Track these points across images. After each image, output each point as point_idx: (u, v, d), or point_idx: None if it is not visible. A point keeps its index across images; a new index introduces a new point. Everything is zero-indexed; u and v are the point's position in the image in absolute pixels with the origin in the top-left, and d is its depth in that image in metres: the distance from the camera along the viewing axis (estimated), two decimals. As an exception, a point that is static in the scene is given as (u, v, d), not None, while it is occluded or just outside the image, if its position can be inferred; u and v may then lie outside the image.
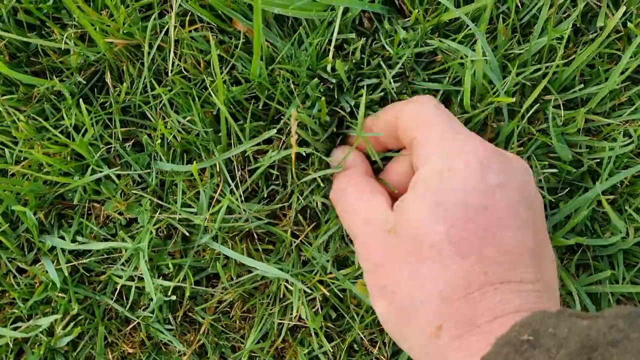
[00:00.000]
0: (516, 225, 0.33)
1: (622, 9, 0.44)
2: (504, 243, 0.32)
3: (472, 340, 0.30)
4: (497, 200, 0.32)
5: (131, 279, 0.46)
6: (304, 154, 0.44)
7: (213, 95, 0.42)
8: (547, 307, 0.31)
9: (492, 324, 0.30)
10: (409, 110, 0.39)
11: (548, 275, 0.34)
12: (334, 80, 0.45)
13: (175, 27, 0.43)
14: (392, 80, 0.44)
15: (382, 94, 0.44)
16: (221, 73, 0.43)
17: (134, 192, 0.47)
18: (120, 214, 0.47)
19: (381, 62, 0.44)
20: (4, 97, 0.45)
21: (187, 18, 0.44)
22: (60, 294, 0.46)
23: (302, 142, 0.45)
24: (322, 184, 0.44)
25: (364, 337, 0.47)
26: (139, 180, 0.47)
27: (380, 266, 0.35)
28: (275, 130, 0.43)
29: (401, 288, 0.33)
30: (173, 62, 0.43)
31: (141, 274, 0.45)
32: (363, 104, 0.40)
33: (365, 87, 0.44)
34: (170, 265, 0.45)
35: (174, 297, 0.44)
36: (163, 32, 0.43)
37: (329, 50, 0.45)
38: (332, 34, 0.45)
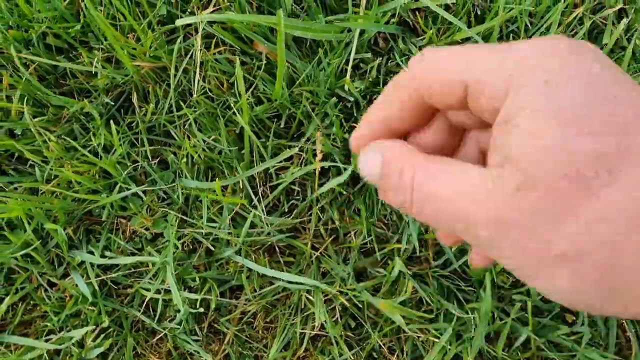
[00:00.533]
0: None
1: (622, 24, 0.46)
2: None
3: None
4: (610, 82, 0.25)
5: (158, 291, 0.48)
6: (326, 167, 0.45)
7: (237, 114, 0.44)
8: None
9: None
10: (432, 66, 0.28)
11: None
12: (351, 99, 0.46)
13: (200, 49, 0.45)
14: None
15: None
16: (244, 93, 0.45)
17: (160, 208, 0.48)
18: (147, 229, 0.49)
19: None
20: (35, 119, 0.46)
21: (212, 41, 0.46)
22: (90, 307, 0.47)
23: (323, 158, 0.47)
24: (339, 196, 0.46)
25: (383, 345, 0.49)
26: (164, 197, 0.49)
27: (534, 235, 0.26)
28: (297, 149, 0.45)
29: (586, 236, 0.25)
30: (198, 83, 0.45)
31: (168, 286, 0.47)
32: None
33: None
34: (197, 278, 0.47)
35: (201, 309, 0.46)
36: (189, 56, 0.45)
37: (346, 70, 0.47)
38: (350, 54, 0.47)
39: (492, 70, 0.26)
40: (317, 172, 0.44)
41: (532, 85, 0.25)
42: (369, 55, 0.47)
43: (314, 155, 0.46)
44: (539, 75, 0.25)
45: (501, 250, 0.26)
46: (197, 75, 0.45)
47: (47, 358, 0.47)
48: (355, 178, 0.48)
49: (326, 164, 0.45)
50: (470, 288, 0.49)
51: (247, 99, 0.45)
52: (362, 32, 0.47)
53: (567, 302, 0.27)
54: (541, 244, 0.25)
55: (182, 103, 0.47)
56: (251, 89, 0.46)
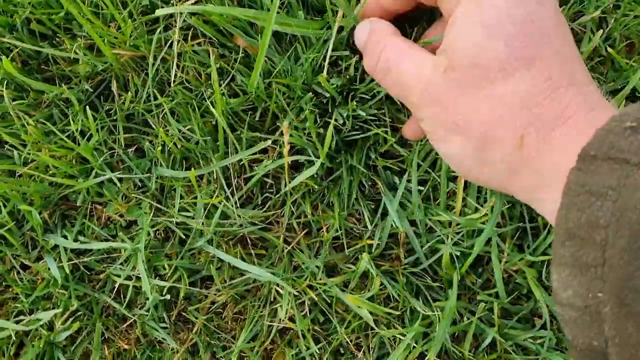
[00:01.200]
0: (561, 33, 0.33)
1: (600, 32, 0.46)
2: (556, 50, 0.32)
3: (558, 137, 0.31)
4: (539, 10, 0.33)
5: (129, 278, 0.49)
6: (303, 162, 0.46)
7: (211, 106, 0.45)
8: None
9: (573, 120, 0.31)
10: None
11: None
12: (327, 95, 0.47)
13: (178, 41, 0.45)
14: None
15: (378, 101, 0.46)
16: (220, 85, 0.46)
17: (135, 195, 0.49)
18: (121, 216, 0.49)
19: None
20: (15, 102, 0.47)
21: (191, 32, 0.47)
22: (61, 291, 0.48)
23: (297, 152, 0.48)
24: (313, 190, 0.46)
25: (350, 341, 0.49)
26: (140, 185, 0.49)
27: (445, 105, 0.34)
28: (270, 142, 0.46)
29: (476, 116, 0.33)
30: (176, 74, 0.46)
31: (139, 273, 0.48)
32: None
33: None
34: (167, 266, 0.47)
35: (168, 297, 0.46)
36: (167, 46, 0.46)
37: (323, 66, 0.47)
38: (327, 50, 0.47)
39: None
40: (286, 164, 0.45)
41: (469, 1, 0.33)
42: (347, 52, 0.48)
43: (291, 149, 0.47)
44: None
45: (422, 114, 0.36)
46: (175, 66, 0.45)
47: (15, 339, 0.48)
48: (329, 172, 0.49)
49: (299, 158, 0.46)
50: (439, 286, 0.50)
51: (224, 92, 0.46)
52: (340, 29, 0.47)
53: (457, 167, 0.37)
54: (447, 113, 0.34)
55: (160, 93, 0.48)
56: (227, 81, 0.46)
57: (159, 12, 0.45)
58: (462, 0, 0.34)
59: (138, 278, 0.48)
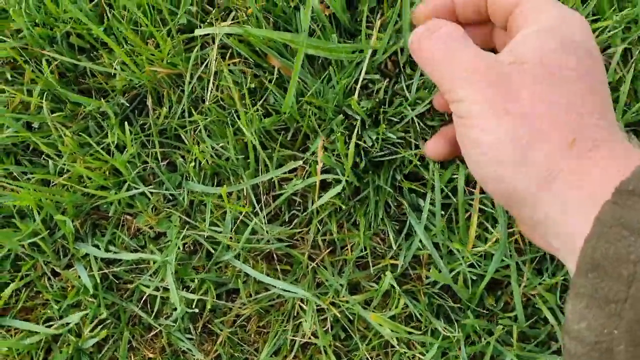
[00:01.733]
0: (605, 83, 0.35)
1: (628, 64, 0.47)
2: (604, 93, 0.34)
3: (599, 157, 0.31)
4: (595, 55, 0.34)
5: (157, 289, 0.50)
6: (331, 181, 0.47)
7: (243, 127, 0.46)
8: None
9: (612, 145, 0.31)
10: None
11: None
12: (357, 117, 0.48)
13: (216, 59, 0.46)
14: (414, 117, 0.47)
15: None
16: (254, 104, 0.47)
17: (165, 208, 0.50)
18: (151, 227, 0.51)
19: (403, 101, 0.48)
20: (53, 115, 0.48)
21: (227, 52, 0.48)
22: (90, 299, 0.49)
23: (325, 172, 0.49)
24: (339, 209, 0.47)
25: (370, 358, 0.50)
26: (170, 198, 0.51)
27: (505, 89, 0.33)
28: (301, 162, 0.47)
29: (534, 107, 0.32)
30: (211, 92, 0.47)
31: (167, 285, 0.49)
32: None
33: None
34: (195, 279, 0.48)
35: (197, 310, 0.48)
36: (204, 65, 0.47)
37: (354, 89, 0.49)
38: (361, 74, 0.48)
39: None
40: (317, 182, 0.46)
41: (548, 19, 0.34)
42: (377, 76, 0.49)
43: (313, 164, 0.48)
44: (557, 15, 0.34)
45: (474, 95, 0.33)
46: (211, 84, 0.47)
47: (44, 345, 0.49)
48: (356, 191, 0.50)
49: (328, 177, 0.47)
50: (459, 307, 0.51)
51: (257, 110, 0.47)
52: (373, 54, 0.48)
53: (487, 162, 0.34)
54: (504, 97, 0.32)
55: (194, 110, 0.49)
56: (261, 101, 0.47)
57: (198, 32, 0.47)
58: (542, 16, 0.35)
59: (165, 289, 0.50)
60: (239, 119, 0.48)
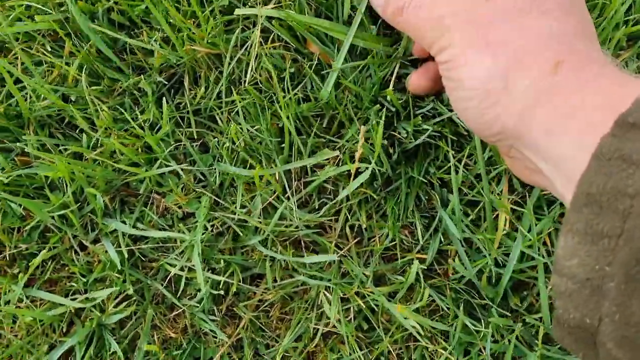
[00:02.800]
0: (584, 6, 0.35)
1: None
2: (588, 20, 0.34)
3: (591, 78, 0.30)
4: None
5: (181, 269, 0.50)
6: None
7: (280, 110, 0.46)
8: None
9: (607, 70, 0.31)
10: None
11: None
12: (393, 109, 0.48)
13: (257, 43, 0.46)
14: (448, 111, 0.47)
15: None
16: (292, 89, 0.47)
17: (195, 189, 0.50)
18: (179, 207, 0.51)
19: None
20: (90, 88, 0.49)
21: (268, 36, 0.48)
22: (116, 274, 0.49)
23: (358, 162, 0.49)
24: (369, 199, 0.47)
25: (392, 350, 0.50)
26: (201, 178, 0.51)
27: (481, 26, 0.34)
28: (337, 152, 0.47)
29: (513, 38, 0.33)
30: (251, 74, 0.47)
31: (192, 265, 0.49)
32: None
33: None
34: (221, 261, 0.48)
35: (222, 292, 0.47)
36: (245, 47, 0.47)
37: (390, 80, 0.49)
38: (396, 66, 0.48)
39: None
40: (354, 170, 0.46)
41: None
42: (412, 70, 0.49)
43: (351, 157, 0.48)
44: None
45: (451, 39, 0.34)
46: (252, 67, 0.47)
47: (67, 318, 0.49)
48: (387, 183, 0.50)
49: (363, 165, 0.47)
50: (482, 305, 0.50)
51: (295, 95, 0.47)
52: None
53: (475, 94, 0.34)
54: (481, 33, 0.33)
55: (229, 91, 0.49)
56: (299, 87, 0.47)
57: (238, 12, 0.47)
58: None
59: (190, 269, 0.49)
60: (276, 102, 0.48)
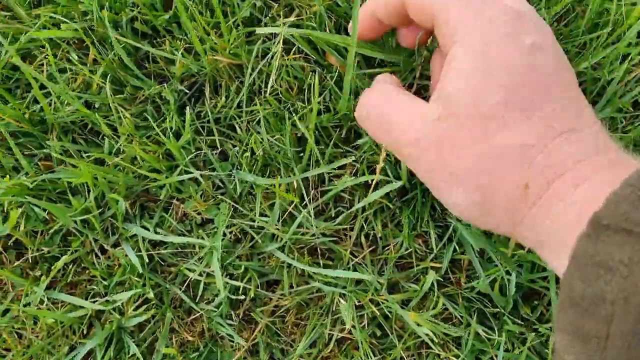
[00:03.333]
0: (563, 78, 0.33)
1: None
2: (558, 96, 0.32)
3: (562, 190, 0.30)
4: (540, 60, 0.32)
5: (199, 274, 0.51)
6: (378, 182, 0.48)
7: (301, 119, 0.47)
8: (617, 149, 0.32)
9: (577, 172, 0.30)
10: None
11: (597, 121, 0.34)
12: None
13: (278, 56, 0.47)
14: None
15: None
16: (311, 100, 0.48)
17: (214, 195, 0.51)
18: (198, 213, 0.52)
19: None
20: (115, 97, 0.50)
21: (289, 47, 0.49)
22: (136, 278, 0.50)
23: (372, 172, 0.50)
24: (385, 208, 0.48)
25: (405, 357, 0.51)
26: (220, 185, 0.52)
27: (442, 155, 0.33)
28: (353, 158, 0.48)
29: (476, 165, 0.32)
30: (271, 85, 0.48)
31: (210, 270, 0.50)
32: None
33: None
34: (240, 267, 0.49)
35: (242, 297, 0.48)
36: (266, 60, 0.48)
37: (411, 91, 0.50)
38: (414, 77, 0.49)
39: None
40: (374, 182, 0.47)
41: (473, 41, 0.32)
42: (430, 82, 0.50)
43: (368, 167, 0.49)
44: (471, 42, 0.32)
45: (418, 167, 0.35)
46: (272, 78, 0.48)
47: (87, 321, 0.50)
48: (403, 192, 0.51)
49: (379, 177, 0.48)
50: (493, 313, 0.51)
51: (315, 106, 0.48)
52: (427, 59, 0.49)
53: (463, 216, 0.35)
54: (444, 163, 0.33)
55: (249, 101, 0.50)
56: (321, 98, 0.48)
57: (260, 31, 0.48)
58: (459, 39, 0.33)
59: (209, 275, 0.51)
60: (296, 113, 0.49)
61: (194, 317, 0.52)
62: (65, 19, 0.51)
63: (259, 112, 0.48)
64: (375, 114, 0.38)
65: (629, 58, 0.49)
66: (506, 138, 0.32)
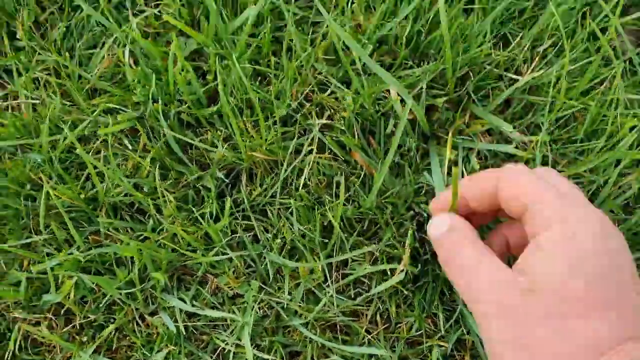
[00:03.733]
0: (636, 285, 0.36)
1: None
2: (633, 302, 0.35)
3: None
4: (621, 263, 0.36)
5: (230, 345, 0.56)
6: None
7: (329, 211, 0.53)
8: None
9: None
10: (512, 181, 0.41)
11: None
12: (424, 215, 0.55)
13: (315, 153, 0.54)
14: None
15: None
16: (339, 194, 0.54)
17: (245, 273, 0.57)
18: (231, 288, 0.57)
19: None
20: (162, 182, 0.55)
21: (321, 145, 0.55)
22: (172, 346, 0.55)
23: (390, 260, 0.55)
24: (399, 292, 0.54)
25: None
26: (251, 264, 0.57)
27: (520, 324, 0.36)
28: (377, 250, 0.54)
29: (549, 345, 0.35)
30: (304, 181, 0.54)
31: (241, 342, 0.55)
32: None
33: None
34: (267, 340, 0.55)
35: (268, 368, 0.54)
36: (300, 157, 0.54)
37: (423, 188, 0.56)
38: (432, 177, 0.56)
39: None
40: (397, 272, 0.53)
41: (559, 232, 0.37)
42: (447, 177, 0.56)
43: (386, 256, 0.55)
44: (564, 231, 0.37)
45: (490, 324, 0.38)
46: (304, 175, 0.54)
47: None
48: (415, 278, 0.56)
49: (396, 266, 0.54)
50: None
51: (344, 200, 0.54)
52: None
53: None
54: (519, 332, 0.36)
55: (283, 188, 0.56)
56: (347, 194, 0.54)
57: (295, 143, 0.54)
58: (553, 226, 0.37)
59: (238, 345, 0.56)
60: (323, 205, 0.55)
61: (222, 384, 0.57)
62: (121, 107, 0.57)
63: (293, 203, 0.54)
64: (455, 265, 0.42)
65: (621, 165, 0.56)
66: (581, 325, 0.35)
